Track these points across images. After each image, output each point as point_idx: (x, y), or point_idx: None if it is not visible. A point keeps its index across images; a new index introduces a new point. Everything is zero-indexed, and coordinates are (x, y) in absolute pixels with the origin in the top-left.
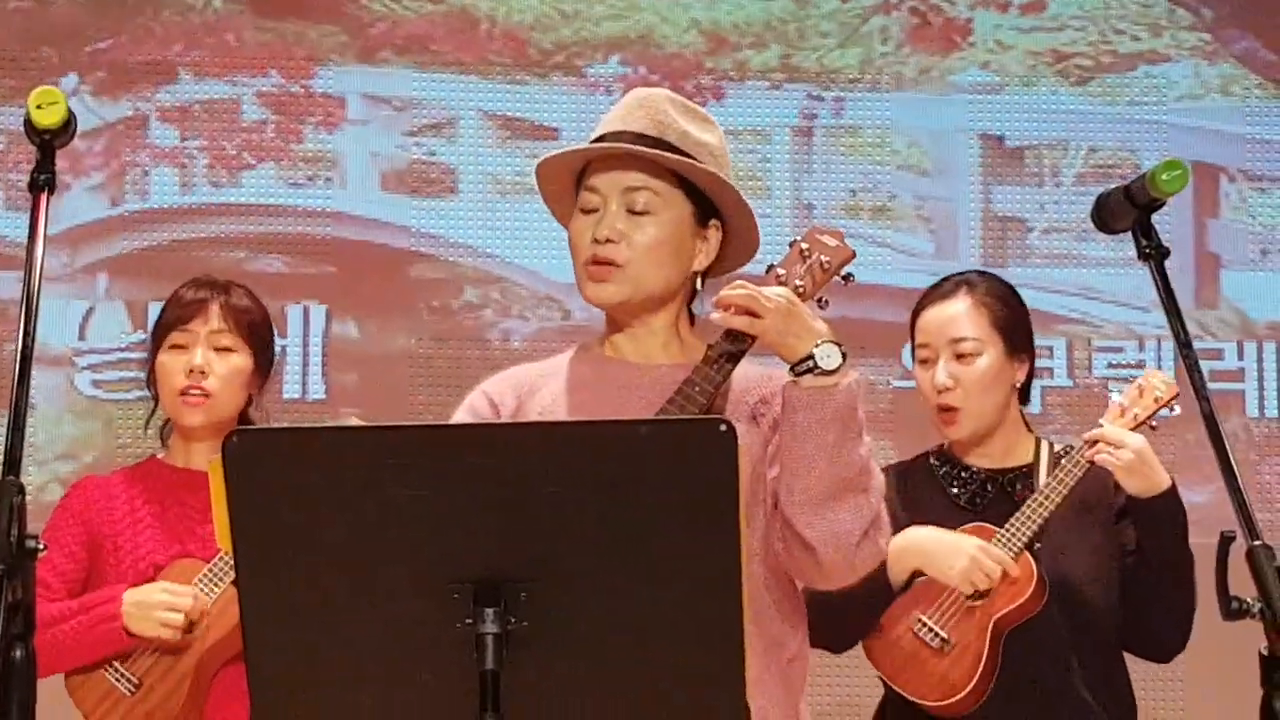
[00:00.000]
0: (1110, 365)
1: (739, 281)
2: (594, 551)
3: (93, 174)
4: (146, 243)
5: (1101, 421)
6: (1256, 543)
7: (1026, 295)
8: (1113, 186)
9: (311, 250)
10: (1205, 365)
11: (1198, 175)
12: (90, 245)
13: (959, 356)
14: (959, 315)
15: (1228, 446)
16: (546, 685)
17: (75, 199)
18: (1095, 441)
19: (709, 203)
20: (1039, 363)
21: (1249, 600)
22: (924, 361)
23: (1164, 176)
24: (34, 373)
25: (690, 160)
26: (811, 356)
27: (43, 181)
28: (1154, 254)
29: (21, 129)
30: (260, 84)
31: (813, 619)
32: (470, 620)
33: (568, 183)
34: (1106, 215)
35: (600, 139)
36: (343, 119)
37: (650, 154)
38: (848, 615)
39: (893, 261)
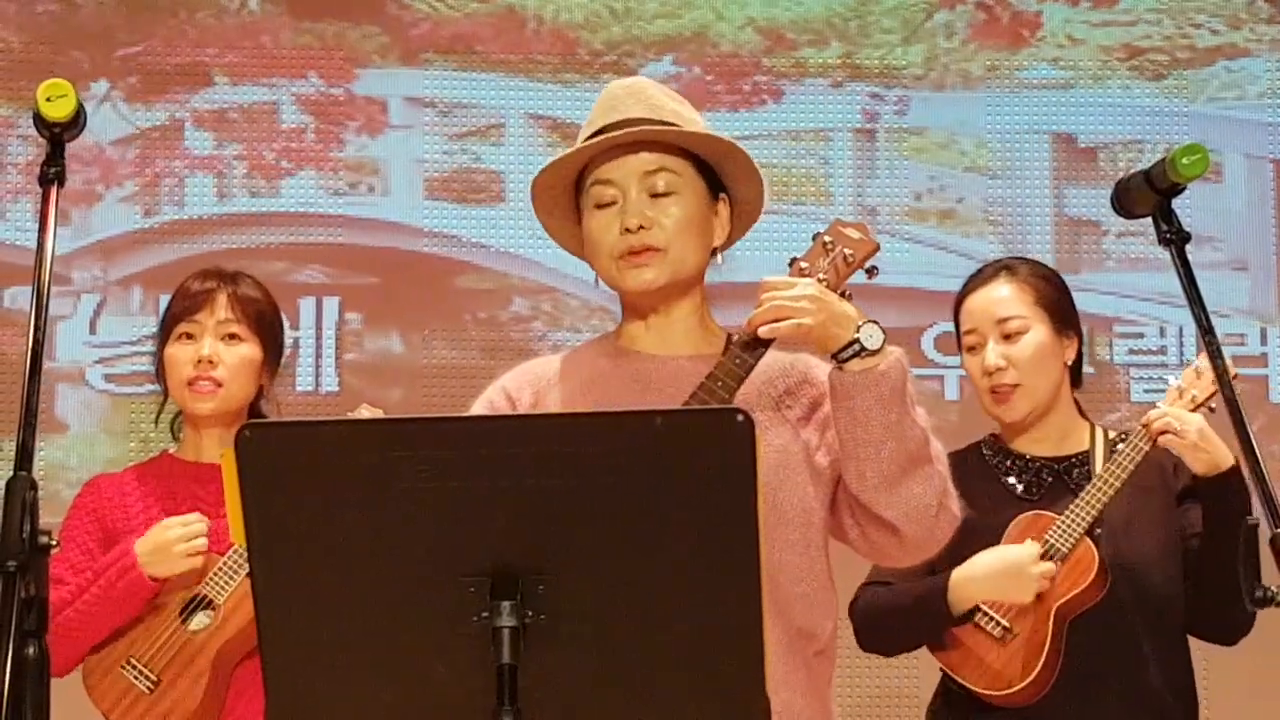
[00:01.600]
0: (1131, 351)
1: (763, 281)
2: (611, 544)
3: (125, 183)
4: (182, 254)
5: (1159, 404)
6: None
7: (1102, 301)
8: (1134, 170)
9: (353, 261)
10: (1227, 350)
11: None
12: (124, 258)
13: (1007, 337)
14: (1004, 297)
15: (1251, 433)
16: (564, 679)
17: (107, 209)
18: (1151, 420)
19: (715, 177)
20: None
21: (1274, 589)
22: (971, 349)
23: (1185, 160)
24: (66, 391)
25: (708, 132)
26: (855, 340)
27: (52, 175)
28: (1175, 239)
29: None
30: (299, 87)
31: (865, 635)
32: (486, 613)
33: (563, 191)
34: (1127, 200)
35: (593, 136)
36: (385, 124)
37: (662, 132)
38: (902, 637)
39: (960, 268)
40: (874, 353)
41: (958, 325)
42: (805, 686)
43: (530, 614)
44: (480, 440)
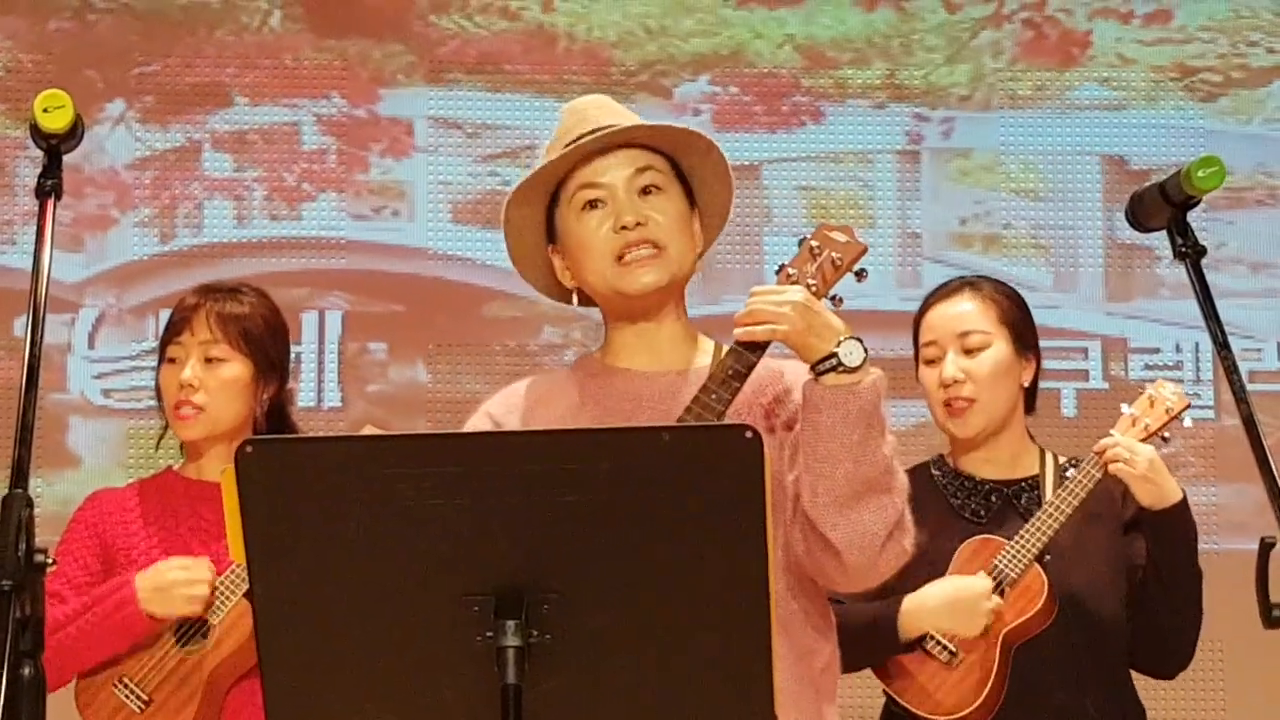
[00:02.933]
0: (1147, 367)
1: (754, 289)
2: (617, 562)
3: (141, 207)
4: (199, 280)
5: (1112, 432)
6: None
7: (1156, 330)
8: (1147, 184)
9: (377, 288)
10: (1244, 366)
11: None
12: (139, 284)
13: (968, 351)
14: (967, 311)
15: (1268, 450)
16: (569, 700)
17: (123, 235)
18: (1104, 451)
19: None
20: (1071, 364)
21: None
22: (930, 361)
23: (1200, 173)
24: (82, 424)
25: (694, 130)
26: (834, 355)
27: (49, 188)
28: (1190, 253)
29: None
30: (321, 108)
31: None
32: (491, 633)
33: (536, 208)
34: (1141, 213)
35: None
36: (410, 146)
37: (661, 127)
38: (849, 657)
39: None
40: (851, 370)
41: (916, 338)
42: (813, 705)
43: (535, 634)
44: (484, 457)
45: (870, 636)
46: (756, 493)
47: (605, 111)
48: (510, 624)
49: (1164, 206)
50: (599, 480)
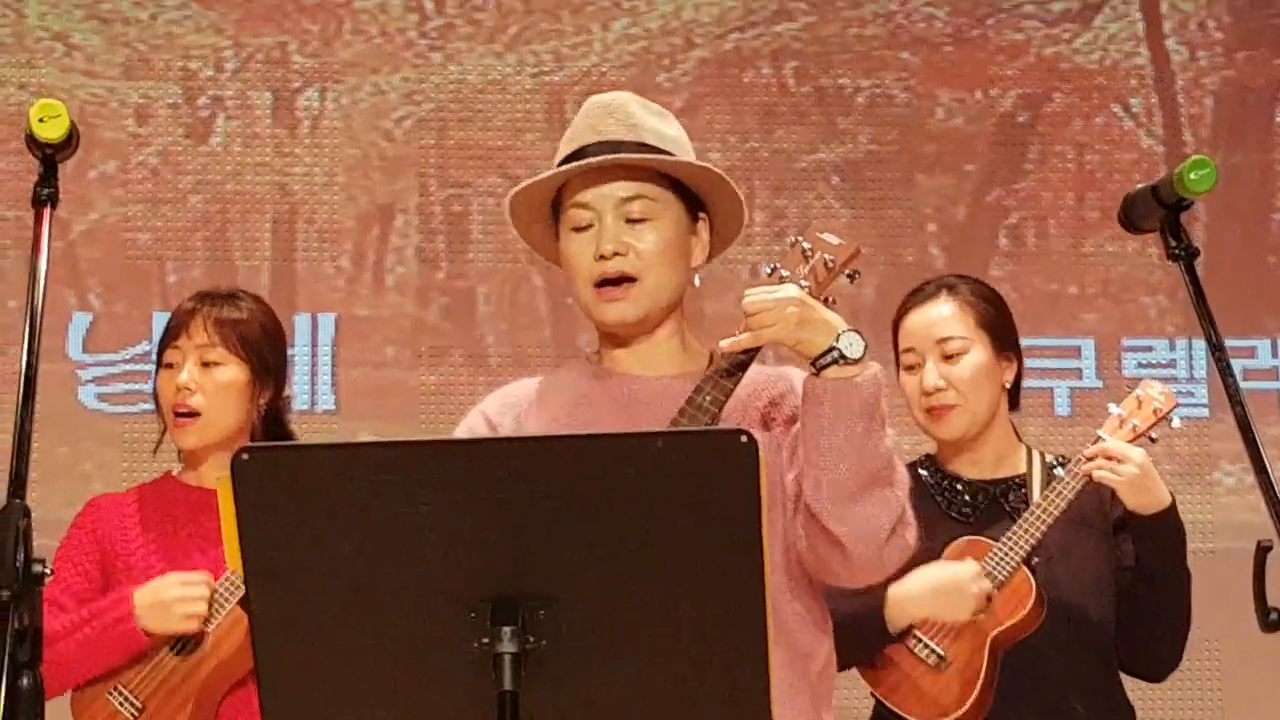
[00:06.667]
0: (1140, 365)
1: (748, 289)
2: (612, 568)
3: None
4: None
5: (1100, 433)
6: None
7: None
8: (1140, 186)
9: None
10: (1238, 364)
11: None
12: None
13: (947, 357)
14: (945, 316)
15: (1263, 452)
16: (566, 706)
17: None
18: (1094, 455)
19: (694, 196)
20: (1065, 363)
21: None
22: (910, 367)
23: (1192, 175)
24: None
25: (684, 161)
26: (834, 348)
27: (45, 197)
28: (1183, 254)
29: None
30: None
31: None
32: (487, 640)
33: (540, 208)
34: (1133, 215)
35: (573, 155)
36: None
37: (640, 159)
38: (841, 653)
39: None
40: (853, 362)
41: (896, 344)
42: (809, 708)
43: (531, 640)
44: (478, 462)
45: (857, 630)
46: (752, 498)
47: (618, 120)
48: (506, 630)
49: (1156, 208)
50: (593, 486)
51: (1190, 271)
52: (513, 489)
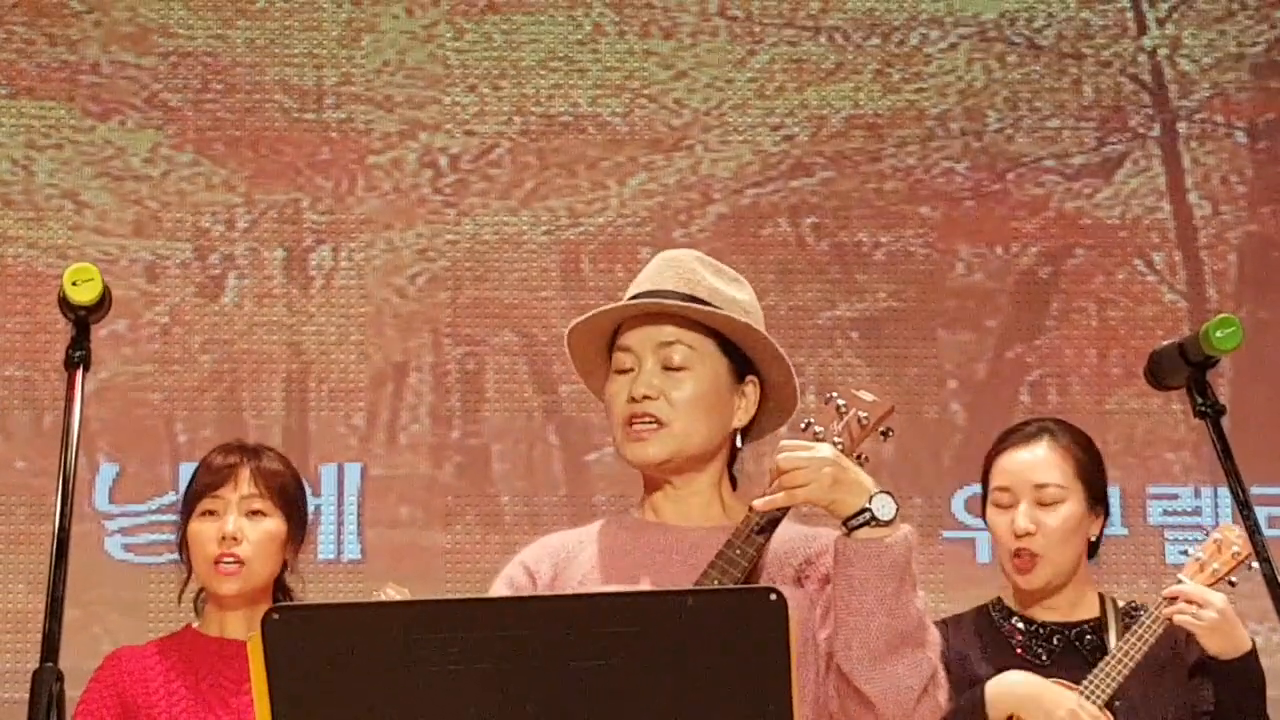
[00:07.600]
0: (1166, 513)
1: (781, 444)
2: None
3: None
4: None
5: (1181, 577)
6: None
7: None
8: (1166, 343)
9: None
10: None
11: None
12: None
13: (1041, 504)
14: (1043, 460)
15: None
16: None
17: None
18: (1174, 598)
19: (744, 358)
20: None
21: None
22: (1002, 505)
23: (1218, 334)
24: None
25: (721, 312)
26: (867, 509)
27: (78, 359)
28: (1210, 412)
29: None
30: None
31: None
32: None
33: (600, 348)
34: (1160, 372)
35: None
36: None
37: (678, 306)
38: None
39: None
40: (884, 524)
41: (986, 481)
42: None
43: None
44: (507, 622)
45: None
46: (781, 655)
47: (676, 272)
48: None
49: (1183, 366)
50: (623, 644)
51: (1217, 428)
52: (541, 648)
